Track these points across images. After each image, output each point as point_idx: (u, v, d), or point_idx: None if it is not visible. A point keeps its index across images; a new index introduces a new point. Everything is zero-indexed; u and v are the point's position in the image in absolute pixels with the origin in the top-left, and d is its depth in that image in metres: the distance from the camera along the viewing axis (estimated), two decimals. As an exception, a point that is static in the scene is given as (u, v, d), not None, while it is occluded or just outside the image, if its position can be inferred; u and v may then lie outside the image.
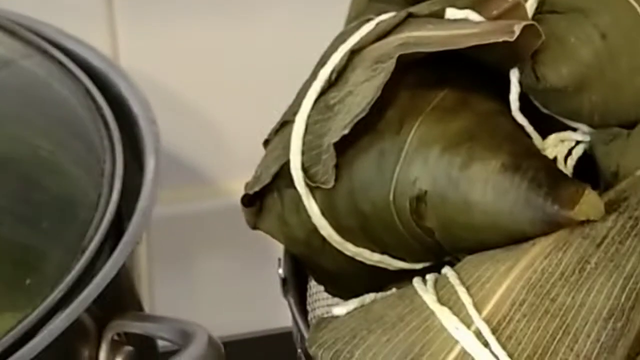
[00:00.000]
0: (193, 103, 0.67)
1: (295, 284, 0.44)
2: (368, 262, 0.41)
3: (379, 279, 0.41)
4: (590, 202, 0.34)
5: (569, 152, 0.40)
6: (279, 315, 0.52)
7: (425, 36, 0.37)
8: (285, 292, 0.43)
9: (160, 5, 0.62)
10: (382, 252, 0.41)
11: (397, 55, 0.36)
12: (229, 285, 0.72)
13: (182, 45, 0.64)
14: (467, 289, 0.34)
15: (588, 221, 0.34)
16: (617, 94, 0.39)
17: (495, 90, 0.39)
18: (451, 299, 0.35)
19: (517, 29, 0.34)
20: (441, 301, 0.35)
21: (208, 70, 0.65)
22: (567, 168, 0.40)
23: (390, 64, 0.36)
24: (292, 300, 0.43)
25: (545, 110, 0.39)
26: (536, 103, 0.39)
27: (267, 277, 0.49)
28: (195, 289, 0.72)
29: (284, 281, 0.44)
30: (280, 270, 0.44)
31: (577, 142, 0.40)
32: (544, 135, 0.40)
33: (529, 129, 0.39)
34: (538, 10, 0.39)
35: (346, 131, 0.37)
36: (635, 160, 0.37)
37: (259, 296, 0.66)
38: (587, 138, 0.39)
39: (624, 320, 0.33)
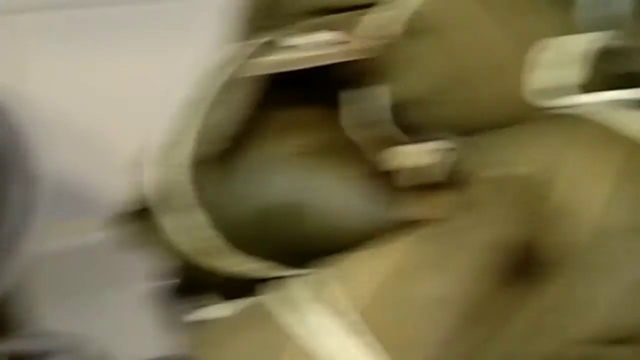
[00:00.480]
0: (90, 134, 0.68)
1: (180, 297, 0.46)
2: (252, 272, 0.44)
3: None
4: (435, 203, 0.38)
5: (438, 158, 0.43)
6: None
7: (287, 58, 0.40)
8: (170, 304, 0.45)
9: (61, 36, 0.64)
10: (264, 261, 0.43)
11: (261, 75, 0.40)
12: (127, 316, 0.73)
13: (82, 76, 0.65)
14: (336, 285, 0.37)
15: (438, 220, 0.38)
16: (471, 103, 0.42)
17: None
18: (322, 296, 0.37)
19: (373, 48, 0.38)
20: (312, 298, 0.38)
21: (105, 102, 0.67)
22: (435, 174, 0.43)
23: (255, 84, 0.39)
24: (175, 311, 0.45)
25: (408, 121, 0.43)
26: (400, 114, 0.43)
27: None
28: (91, 321, 0.73)
29: (168, 294, 0.46)
30: (164, 283, 0.46)
31: (446, 150, 0.43)
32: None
33: (399, 138, 0.42)
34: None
35: (216, 147, 0.40)
36: (483, 163, 0.41)
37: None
38: (449, 145, 0.43)
39: (474, 303, 0.36)
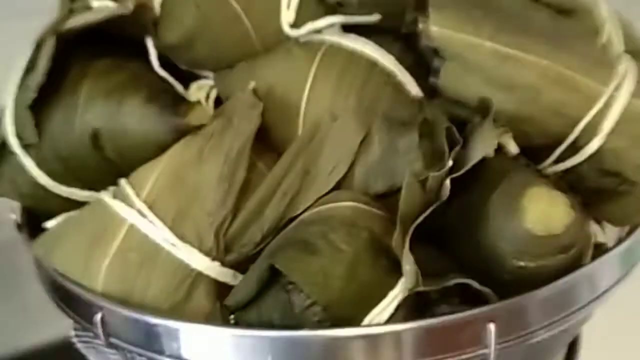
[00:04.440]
0: None
1: (29, 229, 0.57)
2: (80, 199, 0.56)
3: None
4: (198, 112, 0.51)
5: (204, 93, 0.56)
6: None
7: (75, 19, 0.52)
8: (21, 233, 0.57)
9: None
10: (88, 189, 0.55)
11: (54, 34, 0.51)
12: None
13: None
14: (130, 184, 0.50)
15: (201, 125, 0.51)
16: (217, 45, 0.55)
17: (143, 55, 0.56)
18: (121, 194, 0.50)
19: (131, 4, 0.51)
20: (114, 197, 0.50)
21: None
22: (210, 105, 0.56)
23: (58, 42, 0.51)
24: (26, 237, 0.56)
25: (180, 65, 0.56)
26: (172, 59, 0.56)
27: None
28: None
29: (19, 226, 0.57)
30: (14, 216, 0.57)
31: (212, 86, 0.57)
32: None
33: (171, 79, 0.55)
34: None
35: (33, 95, 0.51)
36: (231, 90, 0.54)
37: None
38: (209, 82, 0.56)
39: (229, 182, 0.49)
